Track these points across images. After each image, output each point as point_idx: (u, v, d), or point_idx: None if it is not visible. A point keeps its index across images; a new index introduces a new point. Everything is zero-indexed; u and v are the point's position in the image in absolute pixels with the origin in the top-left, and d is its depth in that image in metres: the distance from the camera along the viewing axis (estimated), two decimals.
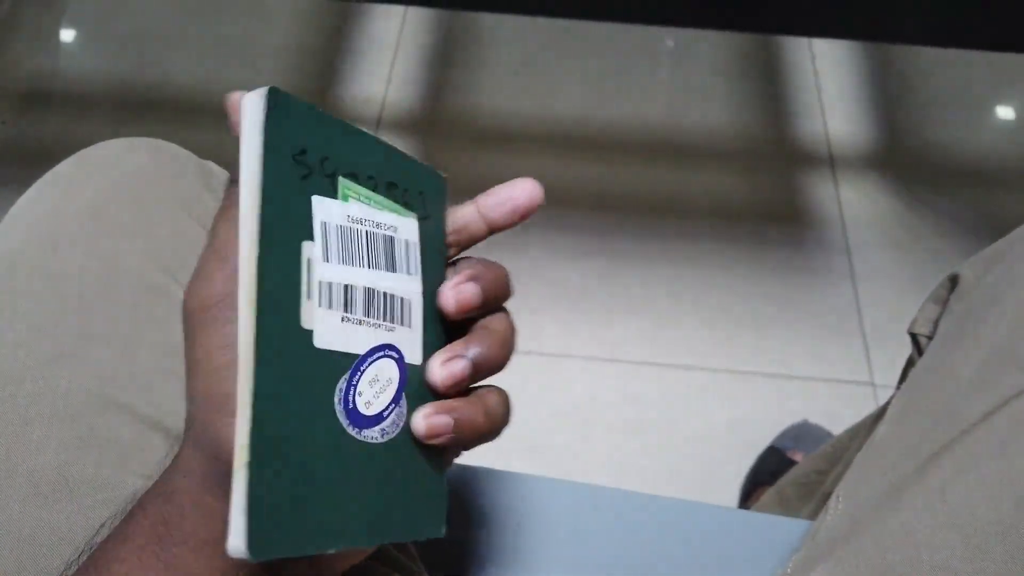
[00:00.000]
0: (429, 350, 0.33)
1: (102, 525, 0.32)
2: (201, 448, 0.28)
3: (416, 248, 0.33)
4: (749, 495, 0.98)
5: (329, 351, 0.29)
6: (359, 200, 0.31)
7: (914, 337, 0.51)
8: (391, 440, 0.31)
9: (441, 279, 0.34)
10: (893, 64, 1.38)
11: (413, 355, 0.32)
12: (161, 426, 0.39)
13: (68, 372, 0.39)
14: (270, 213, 0.27)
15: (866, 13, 1.02)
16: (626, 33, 1.40)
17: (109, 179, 0.45)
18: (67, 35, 1.43)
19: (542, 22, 1.41)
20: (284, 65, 1.35)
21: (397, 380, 0.31)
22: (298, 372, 0.28)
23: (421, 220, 0.34)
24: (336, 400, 0.29)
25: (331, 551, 0.28)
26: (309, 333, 0.28)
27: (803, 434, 1.02)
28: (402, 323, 0.32)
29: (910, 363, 0.53)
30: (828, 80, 1.35)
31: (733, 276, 1.16)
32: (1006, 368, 0.39)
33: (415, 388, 0.32)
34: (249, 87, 0.28)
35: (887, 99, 1.34)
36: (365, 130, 0.32)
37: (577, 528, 0.51)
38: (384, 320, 0.31)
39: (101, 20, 1.42)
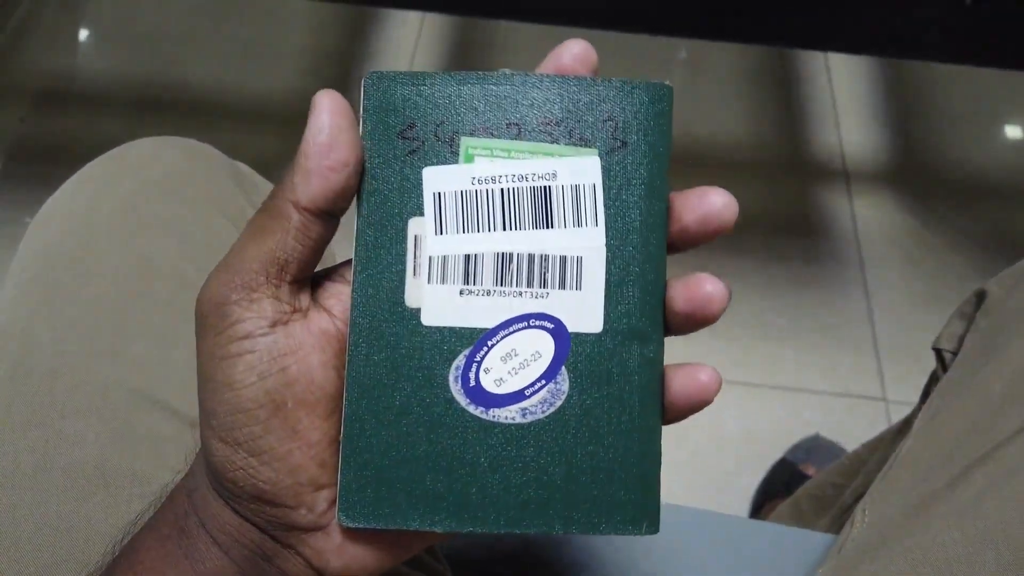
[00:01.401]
0: (622, 313, 0.29)
1: (138, 517, 0.32)
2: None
3: (595, 191, 0.29)
4: (760, 507, 0.97)
5: (444, 328, 0.28)
6: (490, 156, 0.29)
7: (939, 352, 0.51)
8: (546, 418, 0.28)
9: (659, 217, 0.29)
10: (908, 79, 1.38)
11: (583, 322, 0.29)
12: (196, 423, 0.39)
13: (105, 368, 0.39)
14: (371, 202, 0.28)
15: (881, 28, 1.02)
16: (640, 43, 1.40)
17: (143, 177, 0.45)
18: (85, 34, 1.43)
19: (558, 30, 1.41)
20: (301, 69, 1.35)
21: (550, 353, 0.28)
22: (399, 353, 0.28)
23: (609, 153, 0.29)
24: (452, 379, 0.28)
25: (435, 530, 0.28)
26: (416, 312, 0.28)
27: (815, 448, 1.02)
28: (562, 286, 0.29)
29: (933, 379, 0.53)
30: (843, 94, 1.35)
31: (745, 288, 1.16)
32: None
33: (587, 361, 0.29)
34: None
35: (902, 114, 1.34)
36: (512, 72, 0.29)
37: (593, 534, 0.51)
38: (527, 286, 0.28)
39: (119, 20, 1.43)
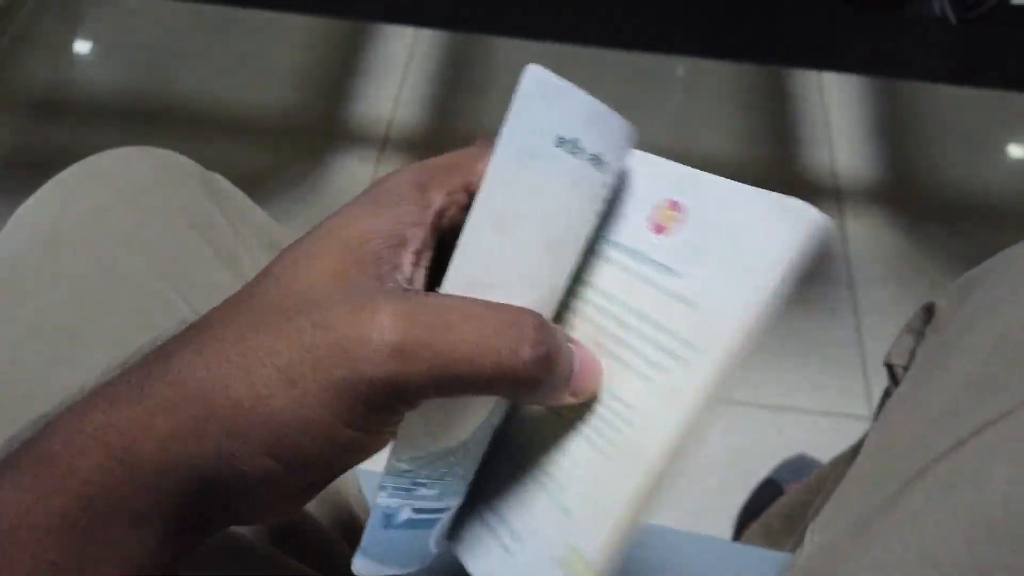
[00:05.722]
0: None
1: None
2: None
3: None
4: (743, 527, 0.96)
5: None
6: None
7: (890, 368, 0.50)
8: None
9: None
10: (901, 99, 1.38)
11: None
12: None
13: (62, 375, 0.39)
14: None
15: (872, 48, 1.02)
16: (636, 60, 1.41)
17: (112, 187, 0.45)
18: (81, 47, 1.45)
19: (552, 47, 1.42)
20: (294, 82, 1.36)
21: None
22: None
23: None
24: None
25: None
26: None
27: (800, 467, 1.01)
28: None
29: (887, 394, 0.52)
30: (836, 113, 1.35)
31: None
32: (981, 395, 0.38)
33: None
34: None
35: (895, 134, 1.34)
36: None
37: None
38: None
39: (115, 32, 1.44)
